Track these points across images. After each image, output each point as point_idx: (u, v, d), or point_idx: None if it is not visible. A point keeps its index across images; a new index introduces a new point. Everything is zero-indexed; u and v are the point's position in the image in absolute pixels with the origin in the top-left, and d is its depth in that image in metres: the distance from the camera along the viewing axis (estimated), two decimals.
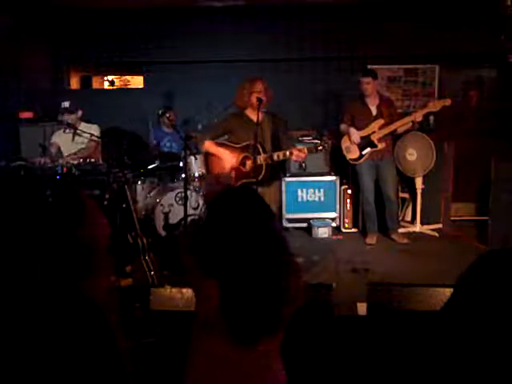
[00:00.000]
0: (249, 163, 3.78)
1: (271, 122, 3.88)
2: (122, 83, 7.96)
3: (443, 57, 6.36)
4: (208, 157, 4.02)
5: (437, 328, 1.05)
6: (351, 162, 5.29)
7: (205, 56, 6.40)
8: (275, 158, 3.73)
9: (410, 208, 5.90)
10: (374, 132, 5.10)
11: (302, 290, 1.69)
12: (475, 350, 0.98)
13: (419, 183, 5.51)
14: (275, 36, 6.36)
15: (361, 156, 5.19)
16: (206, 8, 6.35)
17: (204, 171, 5.18)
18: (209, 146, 3.94)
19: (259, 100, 3.71)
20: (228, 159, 3.83)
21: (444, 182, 5.71)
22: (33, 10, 6.04)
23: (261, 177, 3.74)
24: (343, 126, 5.26)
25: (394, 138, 5.36)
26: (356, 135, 5.14)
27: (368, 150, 5.14)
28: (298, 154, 3.65)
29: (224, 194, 1.75)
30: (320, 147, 3.67)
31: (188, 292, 2.59)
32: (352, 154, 5.25)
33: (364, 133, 5.14)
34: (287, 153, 3.70)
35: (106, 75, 7.71)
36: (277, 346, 1.68)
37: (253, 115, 3.83)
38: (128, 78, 7.93)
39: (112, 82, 7.68)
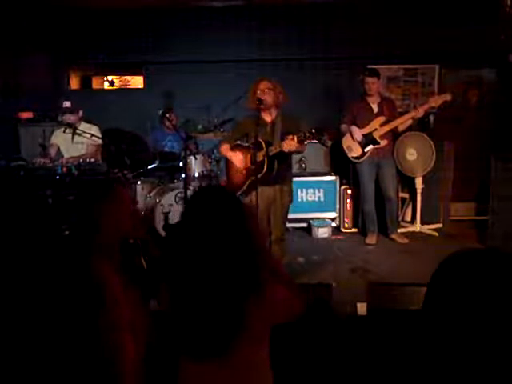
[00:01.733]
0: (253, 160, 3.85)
1: (284, 122, 3.89)
2: (121, 83, 7.95)
3: (443, 57, 6.36)
4: (226, 161, 4.14)
5: (418, 327, 1.05)
6: (353, 160, 5.29)
7: (205, 56, 6.40)
8: (271, 152, 3.73)
9: (409, 208, 5.89)
10: (375, 129, 5.12)
11: (290, 301, 1.61)
12: (454, 347, 0.98)
13: (419, 183, 5.51)
14: (275, 36, 6.36)
15: (363, 154, 5.19)
16: (205, 8, 6.35)
17: (204, 170, 5.23)
18: (223, 150, 4.07)
19: (258, 100, 3.76)
20: (239, 160, 3.94)
21: (444, 181, 5.70)
22: (33, 9, 6.04)
23: (262, 174, 3.74)
24: (344, 126, 5.26)
25: (395, 137, 5.36)
26: (358, 133, 5.15)
27: (370, 147, 5.15)
28: (287, 142, 3.62)
29: (194, 197, 1.72)
30: (308, 134, 3.55)
31: None
32: (354, 152, 5.24)
33: (366, 130, 5.15)
34: (280, 144, 3.69)
35: (106, 75, 7.70)
36: (261, 357, 1.59)
37: (266, 116, 3.90)
38: (128, 78, 7.92)
39: (112, 82, 7.67)
